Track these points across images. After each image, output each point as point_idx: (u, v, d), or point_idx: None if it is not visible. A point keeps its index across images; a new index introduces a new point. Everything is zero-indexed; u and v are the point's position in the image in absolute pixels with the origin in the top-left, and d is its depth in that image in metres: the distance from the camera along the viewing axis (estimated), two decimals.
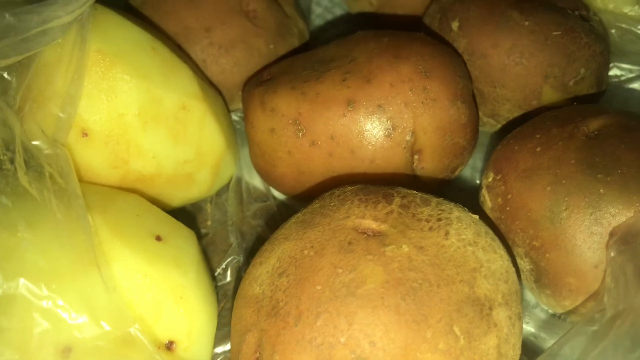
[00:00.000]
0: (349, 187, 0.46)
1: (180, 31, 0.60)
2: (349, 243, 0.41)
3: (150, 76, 0.50)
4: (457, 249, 0.41)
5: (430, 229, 0.42)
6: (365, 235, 0.41)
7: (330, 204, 0.44)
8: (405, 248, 0.40)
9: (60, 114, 0.45)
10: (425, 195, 0.45)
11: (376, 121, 0.51)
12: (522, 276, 0.50)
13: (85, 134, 0.48)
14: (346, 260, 0.40)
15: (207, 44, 0.60)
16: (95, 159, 0.49)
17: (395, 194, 0.44)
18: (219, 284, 0.56)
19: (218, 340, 0.52)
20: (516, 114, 0.59)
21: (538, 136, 0.49)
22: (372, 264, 0.39)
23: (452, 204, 0.45)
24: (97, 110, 0.48)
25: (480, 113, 0.61)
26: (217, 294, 0.55)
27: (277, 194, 0.61)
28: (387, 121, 0.51)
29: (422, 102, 0.51)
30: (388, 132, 0.51)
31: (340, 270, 0.39)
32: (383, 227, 0.41)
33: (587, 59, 0.57)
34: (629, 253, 0.37)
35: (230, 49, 0.61)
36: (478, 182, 0.62)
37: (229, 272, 0.57)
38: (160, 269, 0.44)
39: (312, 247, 0.41)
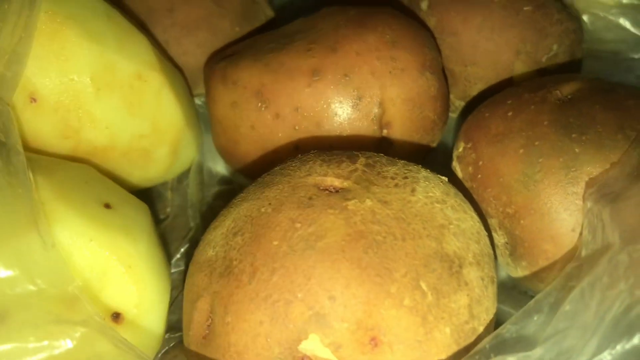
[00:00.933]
0: (313, 151, 0.43)
1: (143, 11, 0.58)
2: (309, 198, 0.38)
3: (104, 41, 0.47)
4: (424, 205, 0.38)
5: (396, 185, 0.39)
6: (327, 191, 0.38)
7: (292, 165, 0.42)
8: (368, 202, 0.37)
9: (6, 72, 0.42)
10: (391, 158, 0.43)
11: (342, 91, 0.49)
12: (497, 252, 0.47)
13: (33, 100, 0.45)
14: (305, 215, 0.37)
15: (169, 24, 0.58)
16: (45, 127, 0.46)
17: (360, 155, 0.42)
18: (178, 269, 0.53)
19: (172, 324, 0.48)
20: (488, 95, 0.57)
21: (509, 102, 0.47)
22: (333, 217, 0.36)
23: (420, 165, 0.42)
24: (47, 73, 0.45)
25: (452, 96, 0.59)
26: (174, 280, 0.51)
27: (241, 180, 0.58)
28: (353, 91, 0.49)
29: (390, 72, 0.49)
30: (355, 102, 0.49)
31: (298, 225, 0.36)
32: (346, 184, 0.39)
33: (560, 35, 0.56)
34: (606, 199, 0.34)
35: (193, 30, 0.59)
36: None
37: (186, 259, 0.53)
38: (107, 235, 0.41)
39: (269, 204, 0.38)
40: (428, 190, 0.39)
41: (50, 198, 0.40)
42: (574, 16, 0.58)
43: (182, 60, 0.59)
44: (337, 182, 0.39)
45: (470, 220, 0.40)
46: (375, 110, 0.49)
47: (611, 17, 0.64)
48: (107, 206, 0.43)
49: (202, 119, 0.61)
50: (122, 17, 0.51)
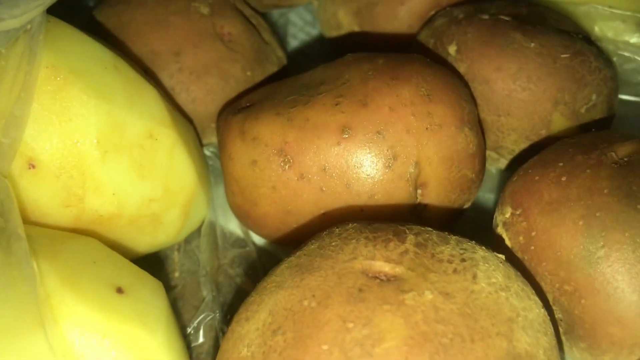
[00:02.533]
0: (351, 224, 0.39)
1: (146, 55, 0.53)
2: (360, 290, 0.33)
3: (112, 97, 0.42)
4: (488, 295, 0.34)
5: (455, 271, 0.34)
6: (378, 280, 0.34)
7: (331, 243, 0.37)
8: (428, 295, 0.33)
9: (2, 139, 0.37)
10: (441, 233, 0.38)
11: (375, 150, 0.45)
12: None
13: (32, 166, 0.40)
14: (358, 312, 0.32)
15: (176, 69, 0.53)
16: (44, 195, 0.41)
17: (407, 231, 0.37)
18: (191, 345, 0.47)
19: None
20: (522, 146, 0.53)
21: (561, 164, 0.43)
22: (390, 315, 0.32)
23: (473, 242, 0.38)
24: (48, 136, 0.40)
25: None
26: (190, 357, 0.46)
27: (257, 239, 0.53)
28: (387, 150, 0.44)
29: (427, 128, 0.45)
30: (389, 162, 0.45)
31: (351, 325, 0.32)
32: (398, 269, 0.34)
33: (598, 84, 0.52)
34: None
35: (202, 75, 0.54)
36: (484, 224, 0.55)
37: (201, 332, 0.48)
38: (123, 327, 0.35)
39: (313, 296, 0.34)
40: (490, 275, 0.35)
41: (56, 287, 0.35)
42: (610, 61, 0.55)
43: (190, 108, 0.54)
44: (387, 268, 0.34)
45: (536, 308, 0.35)
46: (411, 170, 0.45)
47: None
48: (120, 290, 0.38)
49: (212, 171, 0.56)
50: (130, 67, 0.46)
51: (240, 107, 0.50)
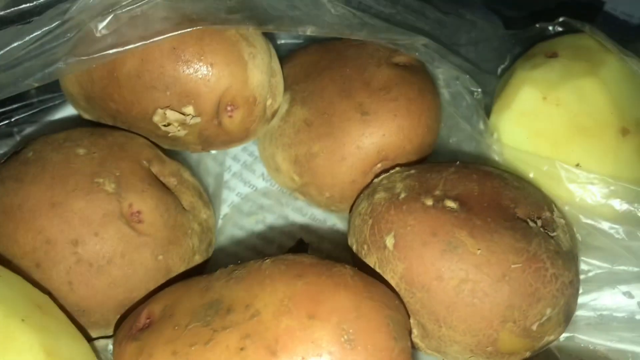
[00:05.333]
0: None
1: (40, 245, 0.46)
2: None
3: None
4: None
5: None
6: None
7: None
8: None
9: None
10: None
11: None
12: None
13: None
14: None
15: (74, 261, 0.47)
16: None
17: None
18: None
19: None
20: (467, 356, 0.47)
21: None
22: None
23: None
24: None
25: (424, 345, 0.49)
26: None
27: None
28: None
29: None
30: None
31: None
32: None
33: (554, 295, 0.46)
34: None
35: (104, 267, 0.47)
36: None
37: None
38: None
39: None
40: None
41: None
42: (570, 256, 0.48)
43: (90, 303, 0.47)
44: None
45: None
46: None
47: (605, 229, 0.55)
48: None
49: None
50: (5, 303, 0.39)
51: (138, 326, 0.44)
